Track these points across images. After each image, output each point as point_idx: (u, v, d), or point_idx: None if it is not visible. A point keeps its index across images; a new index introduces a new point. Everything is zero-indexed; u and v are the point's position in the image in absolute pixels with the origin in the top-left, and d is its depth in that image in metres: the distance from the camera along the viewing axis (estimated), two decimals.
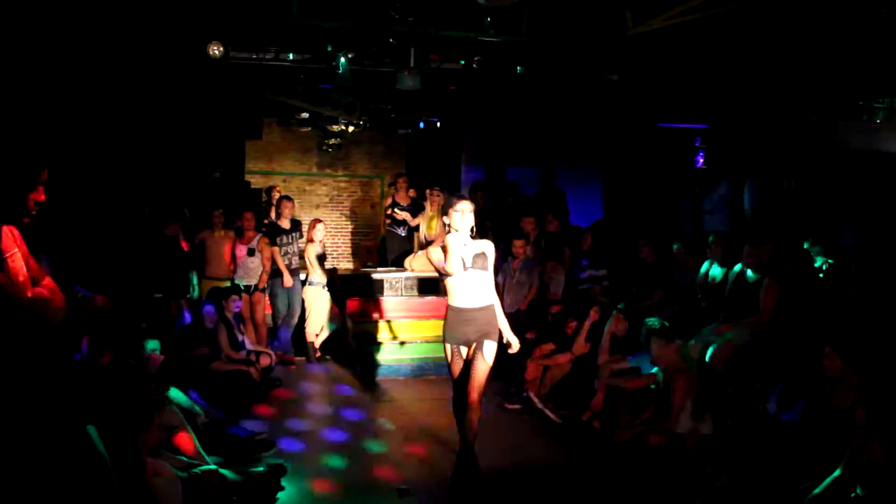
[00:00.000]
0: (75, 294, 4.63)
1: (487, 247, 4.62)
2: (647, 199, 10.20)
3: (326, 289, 8.21)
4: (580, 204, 10.17)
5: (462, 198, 4.59)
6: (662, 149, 10.29)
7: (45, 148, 2.89)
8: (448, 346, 4.61)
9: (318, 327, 8.13)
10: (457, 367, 4.61)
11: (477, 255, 4.54)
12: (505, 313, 4.52)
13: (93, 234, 7.09)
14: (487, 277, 4.59)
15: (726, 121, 9.33)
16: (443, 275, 4.58)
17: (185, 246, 7.95)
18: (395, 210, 9.66)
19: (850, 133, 8.71)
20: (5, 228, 2.75)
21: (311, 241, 8.19)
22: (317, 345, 8.20)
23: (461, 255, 4.47)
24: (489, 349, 4.54)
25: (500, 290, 8.02)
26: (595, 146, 11.10)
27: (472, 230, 4.52)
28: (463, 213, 4.46)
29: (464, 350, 4.59)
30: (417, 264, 8.54)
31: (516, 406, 6.47)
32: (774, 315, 5.77)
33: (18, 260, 2.77)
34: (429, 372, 7.67)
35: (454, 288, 4.56)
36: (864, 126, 8.44)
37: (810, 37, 6.51)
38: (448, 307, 4.63)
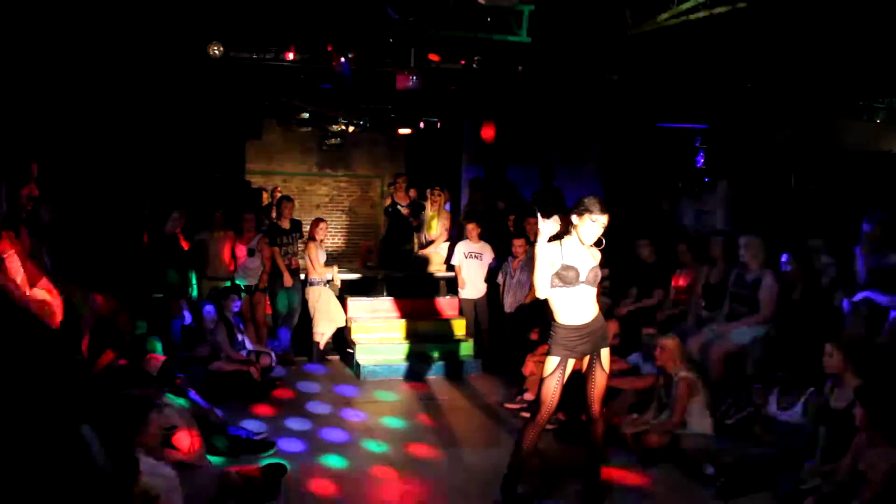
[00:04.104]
0: (74, 294, 4.63)
1: (597, 255, 4.25)
2: (647, 199, 10.20)
3: (328, 286, 8.21)
4: None
5: (604, 207, 4.08)
6: (662, 149, 10.29)
7: (38, 143, 2.92)
8: (556, 359, 4.15)
9: (324, 327, 8.11)
10: (555, 382, 4.15)
11: (592, 269, 4.16)
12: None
13: (93, 234, 7.08)
14: (594, 292, 4.23)
15: (726, 121, 9.33)
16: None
17: (184, 245, 7.94)
18: (399, 207, 9.69)
19: (850, 133, 8.72)
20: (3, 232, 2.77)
21: (313, 239, 8.19)
22: (321, 345, 8.19)
23: (577, 267, 4.12)
24: (606, 357, 4.27)
25: (501, 290, 8.04)
26: (595, 146, 11.10)
27: (599, 242, 4.15)
28: (596, 224, 4.08)
29: (569, 366, 4.19)
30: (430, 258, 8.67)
31: (516, 405, 6.48)
32: (774, 314, 5.77)
33: (15, 261, 2.78)
34: (429, 371, 7.67)
35: (563, 304, 4.16)
36: (864, 126, 8.45)
37: (810, 37, 6.51)
38: (557, 325, 4.19)
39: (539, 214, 4.12)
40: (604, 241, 4.16)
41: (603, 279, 7.70)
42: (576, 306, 4.16)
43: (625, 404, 5.77)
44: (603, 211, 4.07)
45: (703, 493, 4.71)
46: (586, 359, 4.25)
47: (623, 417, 5.62)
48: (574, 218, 4.13)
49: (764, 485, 4.57)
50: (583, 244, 4.15)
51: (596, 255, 4.25)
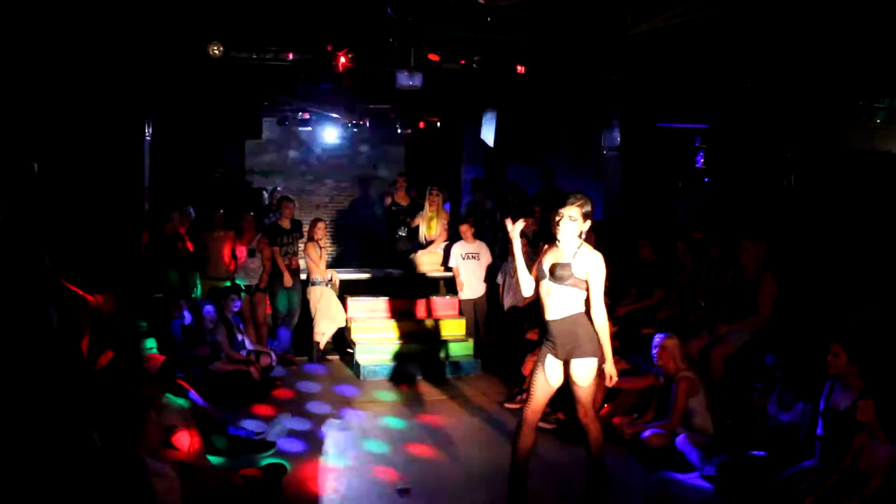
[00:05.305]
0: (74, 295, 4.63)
1: (585, 260, 4.08)
2: (647, 199, 10.19)
3: (329, 286, 8.21)
4: None
5: (576, 200, 4.08)
6: (662, 149, 10.28)
7: (38, 143, 2.90)
8: (541, 350, 4.26)
9: (325, 327, 8.11)
10: (535, 379, 4.22)
11: (557, 265, 4.09)
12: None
13: (93, 234, 7.09)
14: (567, 293, 4.11)
15: (726, 121, 9.32)
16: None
17: (190, 246, 7.94)
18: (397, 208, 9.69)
19: (850, 133, 8.70)
20: None
21: (311, 239, 8.19)
22: (321, 345, 8.19)
23: (543, 261, 4.15)
24: (578, 370, 4.10)
25: (501, 290, 8.03)
26: (595, 146, 11.09)
27: (579, 237, 4.10)
28: (562, 219, 4.05)
29: (550, 363, 4.19)
30: (427, 259, 8.64)
31: (516, 405, 6.47)
32: (774, 314, 5.77)
33: None
34: (429, 371, 7.66)
35: (539, 296, 4.24)
36: (864, 126, 8.43)
37: (810, 37, 6.51)
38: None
39: (508, 221, 4.17)
40: (584, 234, 4.15)
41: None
42: (544, 299, 4.20)
43: (625, 404, 5.77)
44: (567, 204, 4.07)
45: (703, 493, 4.72)
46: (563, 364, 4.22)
47: (623, 417, 5.63)
48: (556, 218, 4.17)
49: (764, 485, 4.57)
50: (558, 240, 4.15)
51: (583, 255, 4.11)
